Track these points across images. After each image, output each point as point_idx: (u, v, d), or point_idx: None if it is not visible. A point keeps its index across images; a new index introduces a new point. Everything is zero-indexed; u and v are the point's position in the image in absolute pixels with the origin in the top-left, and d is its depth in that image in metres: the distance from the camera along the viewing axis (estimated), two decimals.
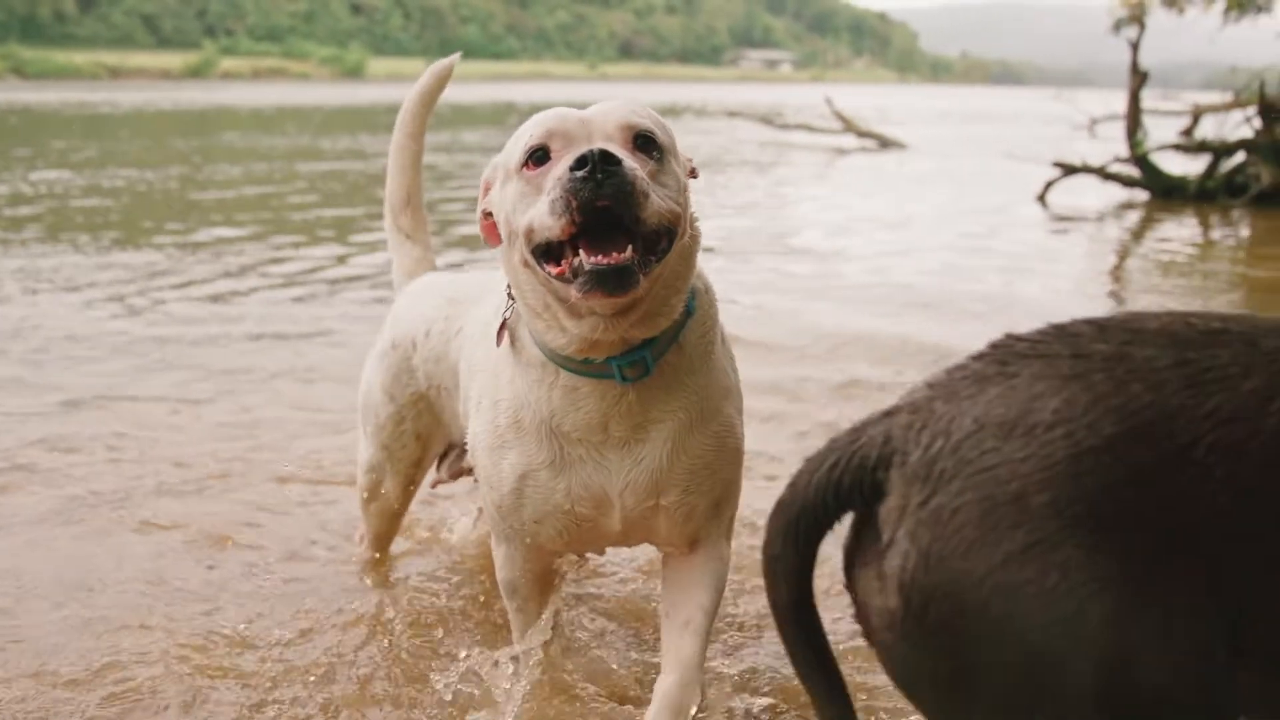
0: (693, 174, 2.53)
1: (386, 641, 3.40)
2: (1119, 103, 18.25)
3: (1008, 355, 1.72)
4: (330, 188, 16.79)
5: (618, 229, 2.23)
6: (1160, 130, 17.57)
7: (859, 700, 2.90)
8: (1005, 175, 20.39)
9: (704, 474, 2.62)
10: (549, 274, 2.32)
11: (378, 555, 3.87)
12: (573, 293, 2.27)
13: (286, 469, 4.88)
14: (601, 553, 3.41)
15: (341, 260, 10.42)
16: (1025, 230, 13.77)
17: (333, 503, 4.52)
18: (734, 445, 2.67)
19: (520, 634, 2.94)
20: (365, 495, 3.63)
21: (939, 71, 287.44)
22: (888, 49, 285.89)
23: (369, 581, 3.81)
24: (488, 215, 2.52)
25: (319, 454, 5.07)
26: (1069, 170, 16.37)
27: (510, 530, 2.73)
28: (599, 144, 2.27)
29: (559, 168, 2.26)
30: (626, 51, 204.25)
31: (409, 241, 3.69)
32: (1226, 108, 17.90)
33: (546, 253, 2.31)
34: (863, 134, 27.47)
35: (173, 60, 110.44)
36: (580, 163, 2.20)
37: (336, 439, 5.24)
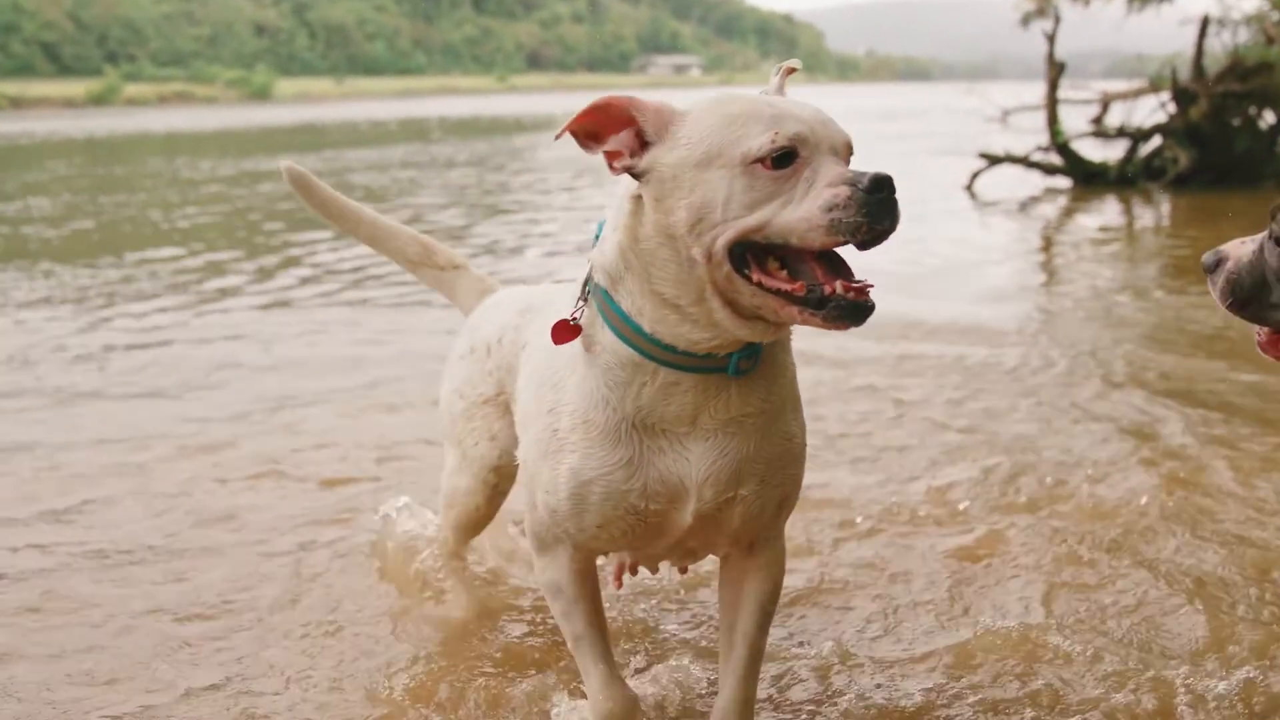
0: None
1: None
2: (1028, 94, 18.80)
3: None
4: (277, 208, 16.82)
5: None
6: (1071, 118, 18.16)
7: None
8: (929, 169, 20.88)
9: (778, 466, 2.59)
10: (758, 283, 2.26)
11: (455, 548, 3.76)
12: (810, 318, 2.25)
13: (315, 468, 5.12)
14: (654, 569, 3.38)
15: (310, 277, 10.58)
16: (958, 218, 14.24)
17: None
18: (802, 440, 2.66)
19: (573, 640, 2.79)
20: (446, 501, 3.55)
21: (846, 70, 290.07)
22: (794, 50, 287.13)
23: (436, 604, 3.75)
24: (633, 174, 2.34)
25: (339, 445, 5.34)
26: (993, 161, 16.87)
27: (563, 534, 2.65)
28: (841, 155, 2.31)
29: (839, 182, 2.22)
30: (535, 62, 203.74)
31: (457, 270, 3.66)
32: (1137, 94, 18.52)
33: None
34: None
35: (75, 88, 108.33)
36: (877, 186, 2.19)
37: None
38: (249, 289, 9.84)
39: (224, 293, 9.70)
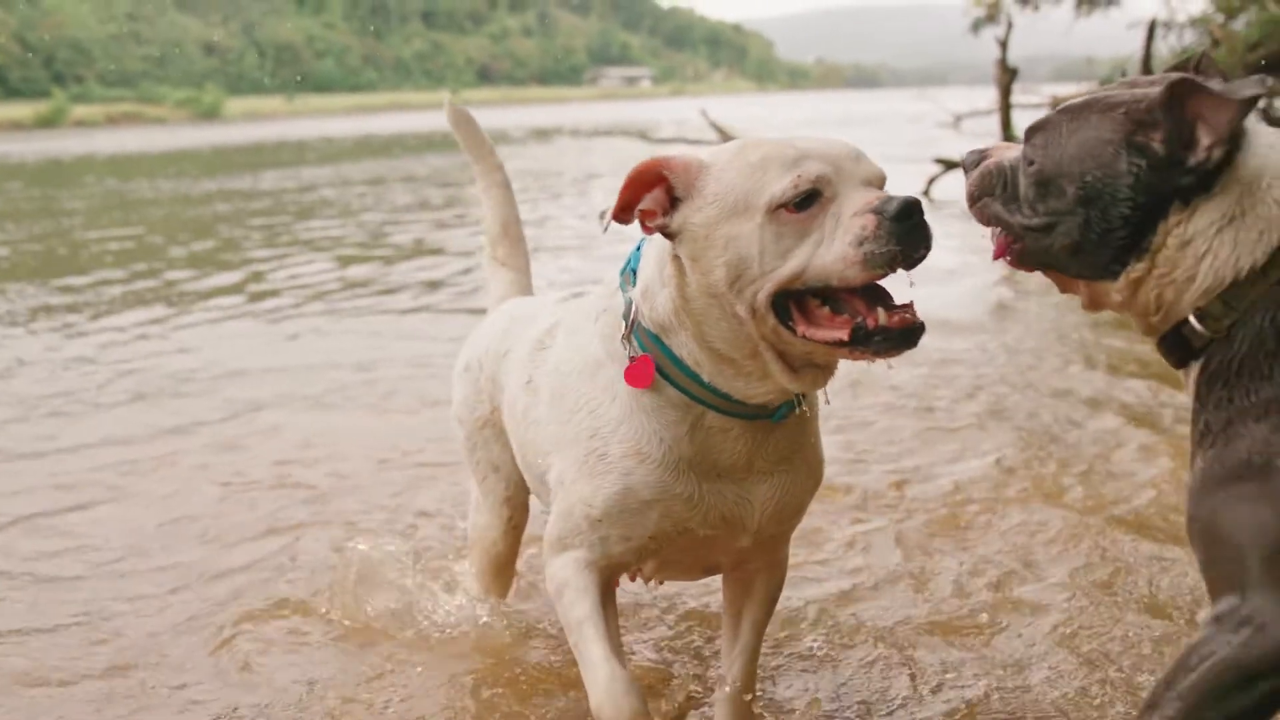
0: None
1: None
2: (978, 99, 19.05)
3: None
4: (243, 224, 16.81)
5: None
6: (1022, 122, 18.34)
7: None
8: (888, 175, 21.13)
9: (813, 486, 2.70)
10: (803, 335, 2.26)
11: (487, 592, 3.57)
12: (860, 355, 2.24)
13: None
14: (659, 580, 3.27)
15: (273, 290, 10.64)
16: None
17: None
18: (823, 455, 2.74)
19: (575, 626, 2.62)
20: (470, 541, 3.54)
21: (796, 78, 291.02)
22: (745, 59, 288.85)
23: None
24: (665, 234, 2.37)
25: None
26: (949, 165, 17.08)
27: (597, 540, 2.60)
28: (874, 188, 2.29)
29: (865, 211, 2.21)
30: (485, 77, 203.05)
31: (503, 268, 3.68)
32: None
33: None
34: None
35: (22, 111, 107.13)
36: (906, 212, 2.18)
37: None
38: (221, 303, 9.93)
39: (197, 305, 9.82)
